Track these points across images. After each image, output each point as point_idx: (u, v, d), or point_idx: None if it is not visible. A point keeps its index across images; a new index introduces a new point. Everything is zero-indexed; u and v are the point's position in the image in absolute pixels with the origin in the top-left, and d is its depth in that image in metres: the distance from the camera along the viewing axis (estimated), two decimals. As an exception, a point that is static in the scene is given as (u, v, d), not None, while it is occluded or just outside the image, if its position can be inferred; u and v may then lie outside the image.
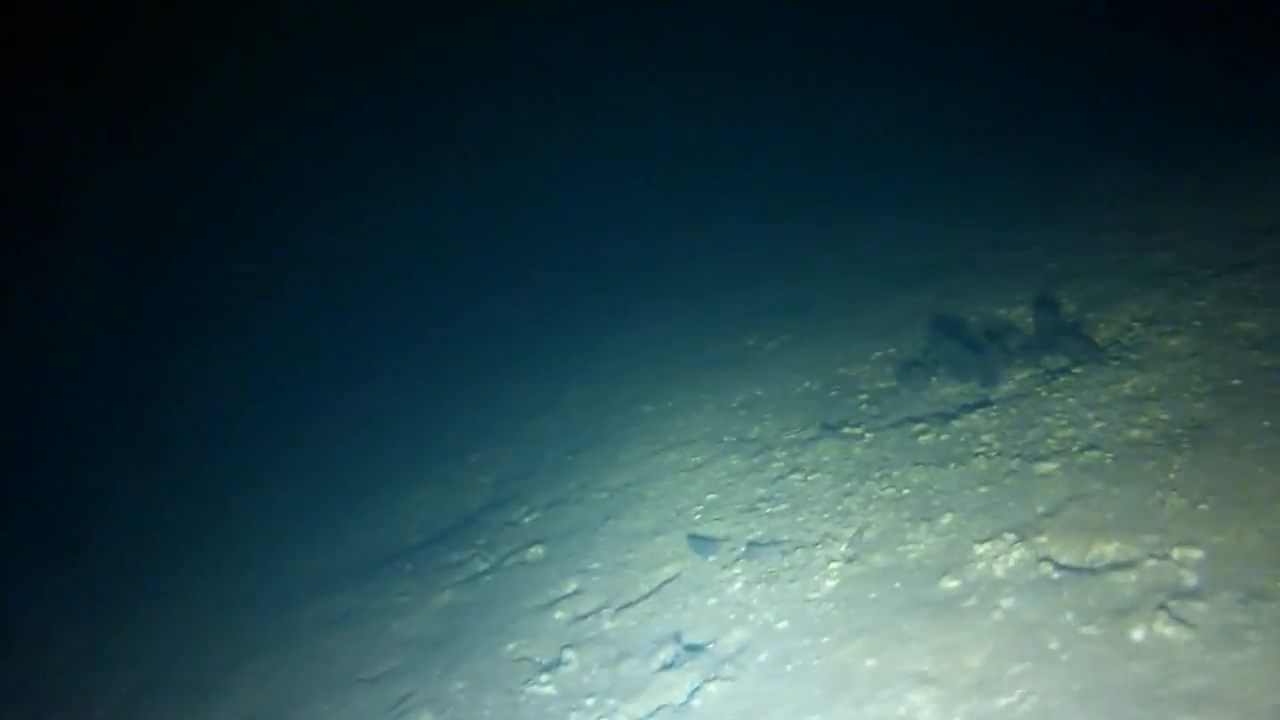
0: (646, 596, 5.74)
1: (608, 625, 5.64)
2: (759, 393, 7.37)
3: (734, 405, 7.36)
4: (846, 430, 6.36)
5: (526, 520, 7.17)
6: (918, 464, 5.76)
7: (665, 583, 5.76)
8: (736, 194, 13.94)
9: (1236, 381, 5.58)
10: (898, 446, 6.01)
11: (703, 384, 7.87)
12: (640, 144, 17.81)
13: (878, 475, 5.81)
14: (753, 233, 11.82)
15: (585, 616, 5.82)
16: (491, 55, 20.69)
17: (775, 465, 6.36)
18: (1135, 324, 6.45)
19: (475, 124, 19.86)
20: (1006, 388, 6.21)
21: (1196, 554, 4.51)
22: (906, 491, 5.58)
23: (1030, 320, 6.80)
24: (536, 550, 6.67)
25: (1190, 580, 4.39)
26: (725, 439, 6.96)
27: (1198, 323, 6.23)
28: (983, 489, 5.37)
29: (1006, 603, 4.58)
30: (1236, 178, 8.35)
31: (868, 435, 6.25)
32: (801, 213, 12.00)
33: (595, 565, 6.23)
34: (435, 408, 10.12)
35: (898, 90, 15.80)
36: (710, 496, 6.35)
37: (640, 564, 6.02)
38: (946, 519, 5.25)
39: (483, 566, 6.82)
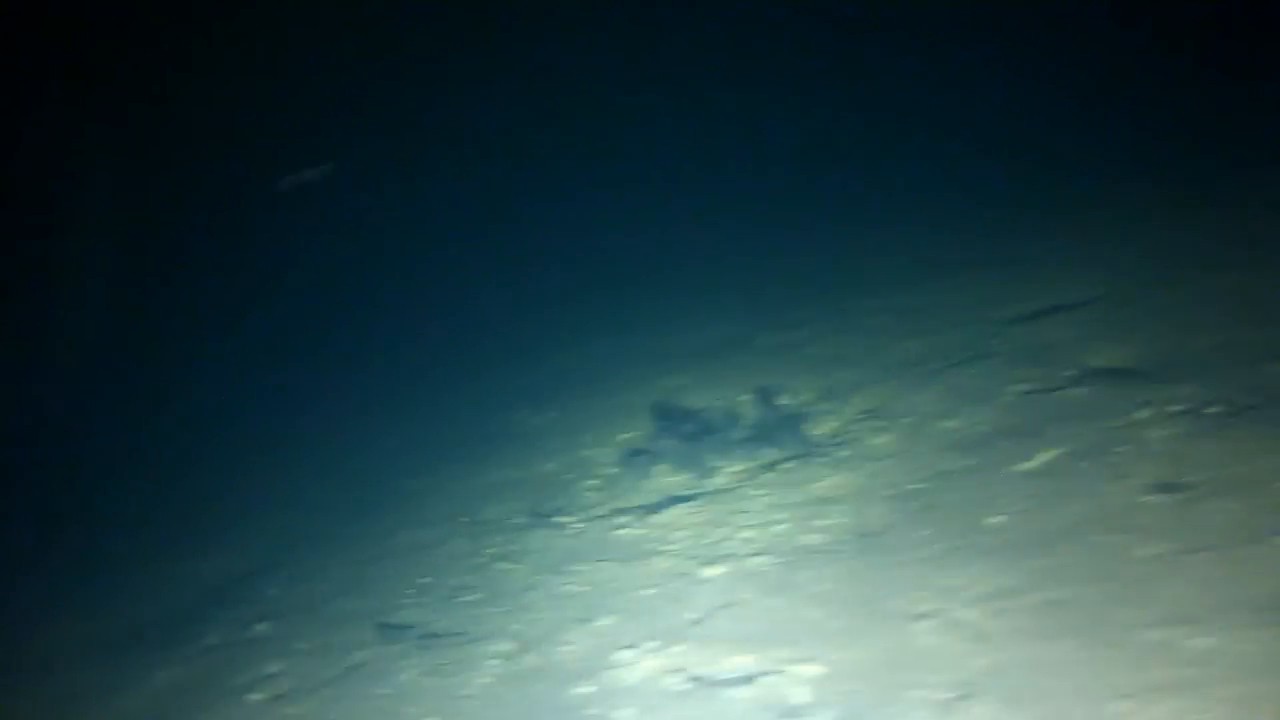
0: (331, 682, 5.64)
1: (289, 711, 5.55)
2: (509, 473, 7.36)
3: (483, 485, 7.35)
4: (559, 519, 6.32)
5: (270, 592, 7.10)
6: (606, 560, 5.70)
7: (352, 669, 5.68)
8: (729, 196, 14.01)
9: (919, 486, 5.56)
10: (597, 539, 5.96)
11: (464, 457, 7.88)
12: (640, 144, 17.78)
13: (567, 569, 5.75)
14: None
15: (276, 699, 5.72)
16: (491, 55, 20.52)
17: (488, 551, 6.30)
18: (856, 418, 6.44)
19: (475, 124, 19.77)
20: (718, 480, 6.19)
21: (816, 670, 4.47)
22: (585, 588, 5.52)
23: (756, 411, 6.82)
24: (262, 627, 6.60)
25: (800, 698, 4.33)
26: (460, 520, 6.93)
27: (910, 419, 6.23)
28: (650, 590, 5.31)
29: (623, 714, 4.54)
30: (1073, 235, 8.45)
31: (576, 525, 6.20)
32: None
33: (303, 646, 6.14)
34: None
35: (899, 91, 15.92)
36: (423, 580, 6.31)
37: (339, 648, 5.93)
38: (606, 620, 5.18)
39: (213, 640, 6.75)
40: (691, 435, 6.54)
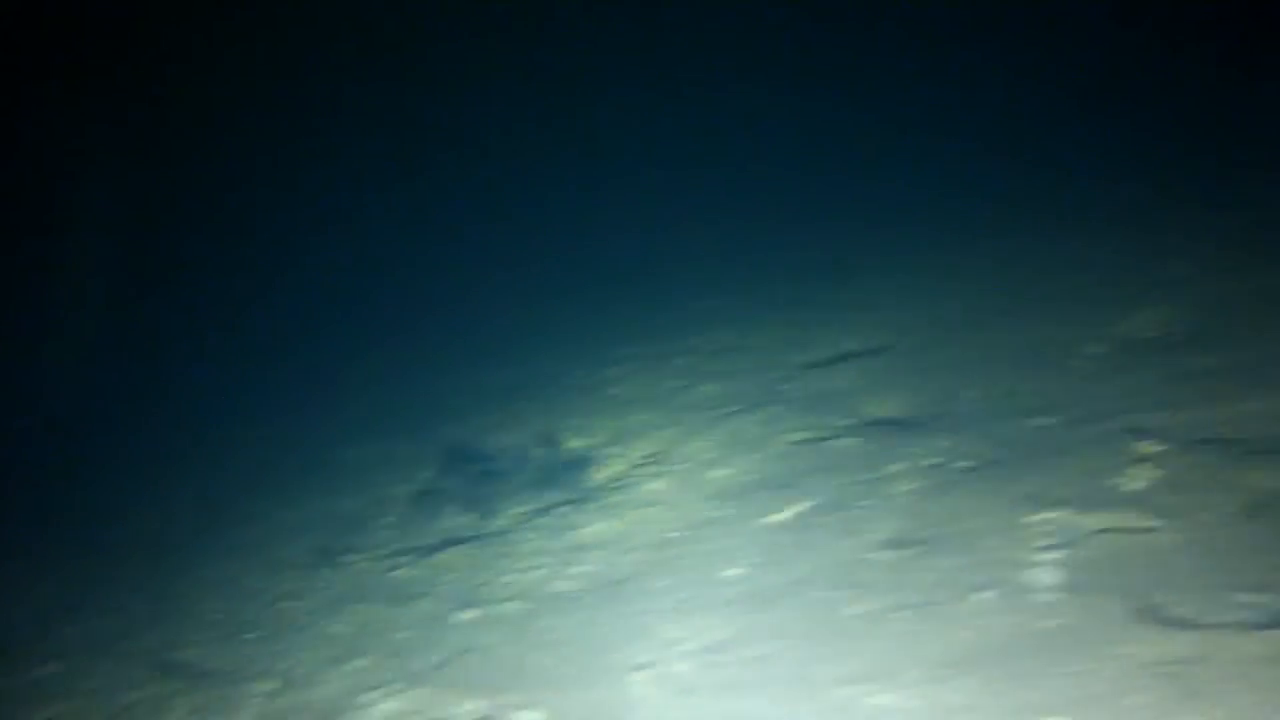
0: (101, 726, 5.85)
1: (58, 756, 5.75)
2: (315, 507, 7.60)
3: (293, 519, 7.57)
4: (345, 558, 6.57)
5: (68, 631, 7.19)
6: (377, 601, 5.95)
7: (123, 709, 5.85)
8: (726, 196, 14.20)
9: (675, 535, 5.85)
10: (375, 580, 6.19)
11: (280, 488, 8.10)
12: (640, 144, 17.91)
13: (341, 609, 5.97)
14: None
15: (47, 745, 5.91)
16: (491, 55, 20.59)
17: (281, 589, 6.53)
18: (638, 463, 6.74)
19: (475, 124, 19.83)
20: (499, 523, 6.45)
21: (536, 716, 4.77)
22: (351, 629, 5.74)
23: (546, 453, 7.12)
24: (53, 666, 6.70)
25: (519, 743, 4.66)
26: (274, 555, 7.14)
27: (685, 466, 6.54)
28: (406, 633, 5.55)
29: (357, 756, 4.81)
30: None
31: (360, 565, 6.46)
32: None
33: (86, 686, 6.30)
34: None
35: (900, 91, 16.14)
36: (214, 617, 6.51)
37: (117, 688, 6.07)
38: (361, 662, 5.41)
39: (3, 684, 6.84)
40: (481, 476, 6.80)
